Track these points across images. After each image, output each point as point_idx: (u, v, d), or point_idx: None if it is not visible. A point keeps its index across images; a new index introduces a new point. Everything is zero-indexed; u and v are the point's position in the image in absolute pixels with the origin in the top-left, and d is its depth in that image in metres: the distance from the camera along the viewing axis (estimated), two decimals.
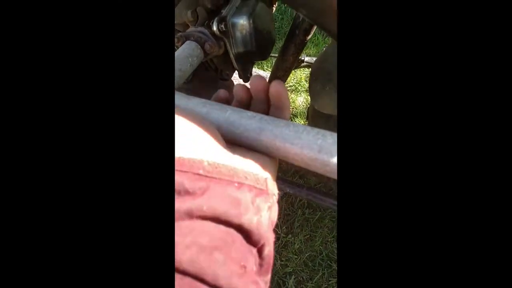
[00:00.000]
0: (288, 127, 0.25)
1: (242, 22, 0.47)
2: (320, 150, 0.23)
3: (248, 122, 0.27)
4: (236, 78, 0.62)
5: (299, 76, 1.24)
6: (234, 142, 0.28)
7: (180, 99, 0.32)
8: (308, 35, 0.51)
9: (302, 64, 0.98)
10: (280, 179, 0.68)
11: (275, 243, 0.23)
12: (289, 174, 0.95)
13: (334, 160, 0.22)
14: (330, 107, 0.49)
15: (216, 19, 0.47)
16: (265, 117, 0.27)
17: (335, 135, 0.24)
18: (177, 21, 0.48)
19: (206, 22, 0.49)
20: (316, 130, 0.24)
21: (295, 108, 1.14)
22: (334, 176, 0.23)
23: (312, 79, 0.55)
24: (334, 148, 0.23)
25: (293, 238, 0.80)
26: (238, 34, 0.48)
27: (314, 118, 0.64)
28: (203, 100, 0.31)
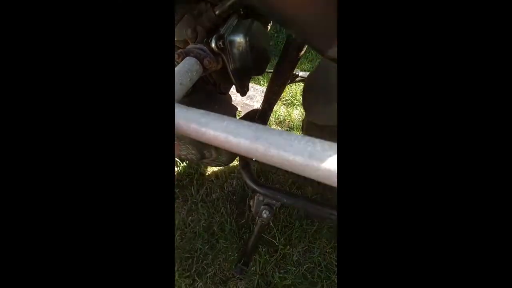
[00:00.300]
0: (281, 135, 0.27)
1: (239, 39, 0.50)
2: (310, 156, 0.25)
3: (244, 131, 0.29)
4: (234, 93, 0.64)
5: (295, 91, 1.28)
6: (231, 150, 0.30)
7: (181, 110, 0.34)
8: (300, 51, 0.54)
9: (297, 79, 1.02)
10: (276, 190, 0.69)
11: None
12: (287, 185, 0.96)
13: (324, 165, 0.24)
14: (323, 118, 0.51)
15: (214, 36, 0.50)
16: (260, 126, 0.29)
17: (324, 142, 0.26)
18: (177, 38, 0.51)
19: (205, 39, 0.52)
20: (306, 138, 0.26)
21: (291, 121, 1.17)
22: (325, 181, 0.25)
23: (306, 92, 0.58)
24: (323, 154, 0.25)
25: (291, 249, 0.81)
26: (235, 51, 0.51)
27: (309, 129, 0.66)
28: (202, 111, 0.33)
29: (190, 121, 0.32)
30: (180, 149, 0.60)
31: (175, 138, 0.56)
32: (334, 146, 0.24)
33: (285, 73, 0.58)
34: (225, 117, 0.32)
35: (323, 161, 0.24)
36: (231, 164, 1.05)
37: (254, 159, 0.29)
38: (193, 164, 1.03)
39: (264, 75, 1.33)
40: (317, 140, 0.26)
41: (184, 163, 1.03)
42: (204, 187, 0.97)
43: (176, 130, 0.33)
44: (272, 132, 0.28)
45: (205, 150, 0.59)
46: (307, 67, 1.36)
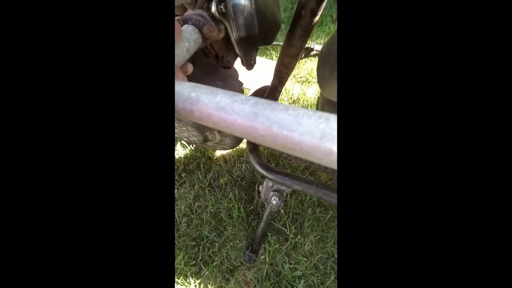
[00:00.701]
0: (287, 111, 0.21)
1: (244, 2, 0.43)
2: (322, 137, 0.19)
3: (241, 107, 0.23)
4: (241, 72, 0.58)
5: (310, 67, 1.19)
6: (227, 131, 0.24)
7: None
8: (315, 16, 0.46)
9: (312, 53, 0.93)
10: (287, 175, 0.64)
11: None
12: (299, 171, 0.90)
13: None
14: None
15: (215, 0, 0.43)
16: (261, 100, 0.23)
17: None
18: (175, 4, 0.44)
19: (205, 4, 0.45)
20: (318, 113, 0.20)
21: (306, 100, 1.09)
22: (320, 161, 0.19)
23: (320, 64, 0.50)
24: None
25: (302, 239, 0.76)
26: (239, 16, 0.44)
27: (324, 106, 0.59)
28: (192, 83, 0.27)
29: (177, 96, 0.26)
30: (181, 131, 0.55)
31: (176, 120, 0.51)
32: None
33: (297, 42, 0.50)
34: (220, 90, 0.25)
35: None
36: (239, 147, 1.00)
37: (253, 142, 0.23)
38: (200, 148, 0.98)
39: (278, 47, 1.24)
40: (332, 116, 0.19)
41: (191, 146, 0.99)
42: (212, 172, 0.93)
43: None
44: (275, 108, 0.22)
45: (207, 132, 0.54)
46: (324, 41, 1.25)
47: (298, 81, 1.15)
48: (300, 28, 0.48)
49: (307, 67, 1.18)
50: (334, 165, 0.19)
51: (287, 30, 0.50)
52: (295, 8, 0.47)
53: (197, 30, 0.43)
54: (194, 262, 0.75)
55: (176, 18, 0.45)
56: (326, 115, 0.20)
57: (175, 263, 0.74)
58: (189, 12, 0.46)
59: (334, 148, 0.18)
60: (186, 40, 0.41)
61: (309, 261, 0.72)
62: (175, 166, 0.94)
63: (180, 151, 0.99)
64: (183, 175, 0.92)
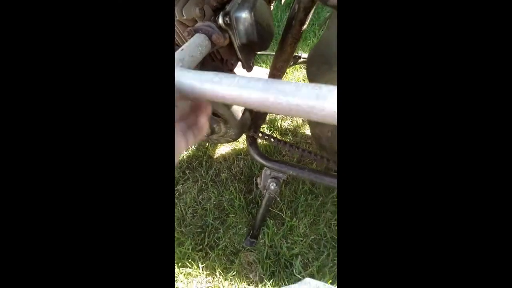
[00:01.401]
0: (290, 84, 0.30)
1: (245, 15, 0.54)
2: (317, 97, 0.28)
3: (255, 84, 0.32)
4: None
5: (297, 76, 1.31)
6: (244, 104, 0.34)
7: (195, 73, 0.37)
8: (303, 25, 0.57)
9: (300, 61, 1.05)
10: (282, 162, 0.73)
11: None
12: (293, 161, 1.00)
13: (329, 104, 0.27)
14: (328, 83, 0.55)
15: (221, 13, 0.53)
16: (269, 79, 0.32)
17: (331, 86, 0.29)
18: (187, 17, 0.54)
19: (212, 17, 0.55)
20: (313, 84, 0.30)
21: None
22: (330, 120, 0.28)
23: (309, 64, 0.61)
24: (329, 94, 0.28)
25: (297, 222, 0.84)
26: (241, 26, 0.55)
27: None
28: (215, 72, 0.37)
29: (204, 81, 0.35)
30: None
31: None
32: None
33: (288, 47, 0.61)
34: (236, 75, 0.35)
35: (329, 100, 0.27)
36: (237, 147, 1.09)
37: (265, 111, 0.32)
38: (201, 147, 1.07)
39: (267, 57, 1.36)
40: (323, 85, 0.29)
41: (193, 146, 1.07)
42: (213, 168, 1.01)
43: (191, 92, 0.37)
44: (281, 82, 0.31)
45: (215, 124, 0.63)
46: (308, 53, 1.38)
47: None
48: (291, 36, 0.58)
49: (294, 76, 1.30)
50: (328, 119, 0.28)
51: (275, 47, 0.61)
52: (280, 26, 0.58)
53: (207, 38, 0.53)
54: (201, 247, 0.82)
55: (188, 28, 0.55)
56: (319, 85, 0.29)
57: (183, 248, 0.81)
58: (199, 23, 0.55)
59: (326, 104, 0.27)
60: (199, 45, 0.51)
61: (304, 240, 0.81)
62: (180, 164, 1.02)
63: (183, 151, 1.07)
64: (187, 172, 1.00)
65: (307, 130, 1.11)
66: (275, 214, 0.87)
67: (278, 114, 1.20)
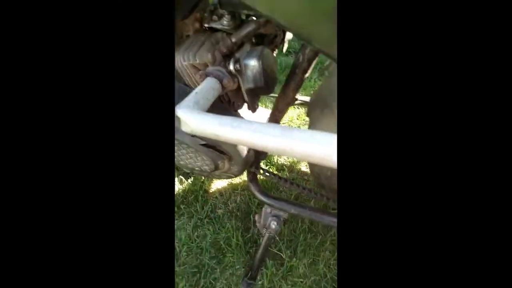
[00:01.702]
0: (305, 132, 0.33)
1: (253, 63, 0.58)
2: (331, 145, 0.30)
3: (273, 130, 0.35)
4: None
5: (291, 115, 1.37)
6: (261, 148, 0.36)
7: (214, 117, 0.40)
8: (306, 73, 0.62)
9: (297, 102, 1.10)
10: (284, 200, 0.73)
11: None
12: (291, 198, 1.00)
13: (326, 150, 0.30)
14: (329, 128, 0.58)
15: (232, 60, 0.57)
16: (284, 126, 0.35)
17: (329, 133, 0.31)
18: (199, 61, 0.58)
19: (222, 63, 0.60)
20: (325, 133, 0.32)
21: None
22: (329, 163, 0.30)
23: (311, 109, 0.65)
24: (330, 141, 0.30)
25: (297, 262, 0.83)
26: (249, 72, 0.59)
27: None
28: (232, 117, 0.39)
29: (223, 125, 0.37)
30: (195, 160, 0.65)
31: (194, 150, 0.61)
32: None
33: (291, 93, 0.65)
34: (251, 120, 0.37)
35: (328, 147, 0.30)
36: (234, 182, 1.08)
37: (281, 156, 0.35)
38: (197, 181, 1.06)
39: (268, 99, 1.42)
40: (333, 135, 0.32)
41: (189, 180, 1.07)
42: (209, 204, 1.00)
43: (212, 135, 0.39)
44: (296, 130, 0.34)
45: (219, 161, 0.64)
46: (306, 93, 1.46)
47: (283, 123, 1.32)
48: (294, 83, 0.63)
49: (288, 114, 1.37)
50: (335, 165, 0.30)
51: (277, 91, 0.65)
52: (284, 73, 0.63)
53: (218, 82, 0.56)
54: None
55: (200, 72, 0.58)
56: (329, 134, 0.32)
57: None
58: (210, 68, 0.59)
59: (334, 156, 0.30)
60: (212, 88, 0.54)
61: (304, 282, 0.78)
62: (174, 199, 1.00)
63: (178, 186, 1.06)
64: (182, 207, 0.98)
65: (302, 166, 1.13)
66: (274, 253, 0.85)
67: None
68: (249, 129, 0.36)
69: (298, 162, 1.15)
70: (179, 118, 0.41)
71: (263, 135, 0.34)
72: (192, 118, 0.40)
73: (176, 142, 0.60)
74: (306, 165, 1.11)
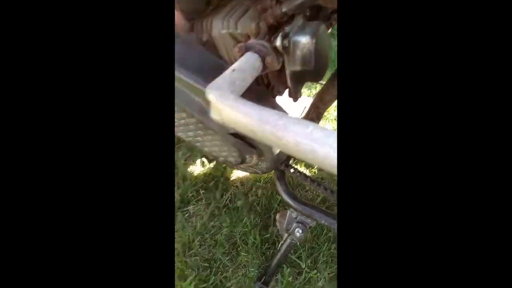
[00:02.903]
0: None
1: (305, 41, 0.47)
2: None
3: (335, 142, 0.25)
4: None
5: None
6: (313, 162, 0.26)
7: (253, 107, 0.30)
8: None
9: None
10: (313, 207, 0.64)
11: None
12: (315, 203, 0.90)
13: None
14: None
15: (280, 34, 0.46)
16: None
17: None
18: (241, 31, 0.47)
19: (267, 36, 0.49)
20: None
21: None
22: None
23: None
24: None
25: (317, 274, 0.74)
26: (298, 52, 0.48)
27: None
28: (277, 111, 0.29)
29: (265, 122, 0.28)
30: (221, 149, 0.56)
31: (220, 138, 0.52)
32: None
33: None
34: (308, 122, 0.27)
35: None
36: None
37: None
38: (220, 166, 0.99)
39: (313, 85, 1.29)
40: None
41: (211, 164, 1.00)
42: (229, 192, 0.93)
43: (248, 131, 0.29)
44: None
45: (247, 154, 0.55)
46: None
47: None
48: None
49: None
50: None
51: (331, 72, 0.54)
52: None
53: (260, 59, 0.46)
54: (205, 285, 0.72)
55: (240, 44, 0.48)
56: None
57: (185, 284, 0.71)
58: (253, 41, 0.49)
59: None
60: (252, 67, 0.43)
61: None
62: (194, 182, 0.94)
63: (200, 168, 0.99)
64: (201, 192, 0.92)
65: None
66: (292, 260, 0.77)
67: None
68: (301, 133, 0.26)
69: None
70: (208, 101, 0.32)
71: (320, 146, 0.24)
72: (227, 106, 0.30)
73: (201, 126, 0.52)
74: None
